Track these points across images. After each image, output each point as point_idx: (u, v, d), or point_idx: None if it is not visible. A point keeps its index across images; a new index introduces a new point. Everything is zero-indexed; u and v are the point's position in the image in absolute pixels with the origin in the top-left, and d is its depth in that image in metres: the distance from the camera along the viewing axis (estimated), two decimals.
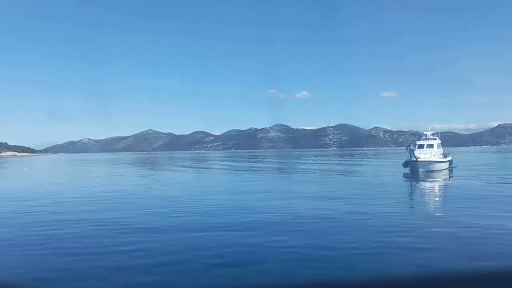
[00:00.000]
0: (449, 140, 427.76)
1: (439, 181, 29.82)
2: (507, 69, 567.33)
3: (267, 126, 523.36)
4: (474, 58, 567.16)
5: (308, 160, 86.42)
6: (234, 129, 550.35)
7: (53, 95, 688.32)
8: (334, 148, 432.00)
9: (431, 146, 41.46)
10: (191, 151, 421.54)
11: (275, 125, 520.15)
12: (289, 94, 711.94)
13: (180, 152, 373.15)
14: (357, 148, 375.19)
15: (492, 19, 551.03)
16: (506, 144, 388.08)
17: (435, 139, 43.42)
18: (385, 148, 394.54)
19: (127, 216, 15.30)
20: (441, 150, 43.59)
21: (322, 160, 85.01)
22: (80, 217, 15.26)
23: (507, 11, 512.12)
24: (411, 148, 38.37)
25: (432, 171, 36.82)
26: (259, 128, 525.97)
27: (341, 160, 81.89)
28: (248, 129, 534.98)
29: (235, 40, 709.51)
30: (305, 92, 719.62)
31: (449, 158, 43.32)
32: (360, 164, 62.36)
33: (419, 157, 36.61)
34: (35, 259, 9.57)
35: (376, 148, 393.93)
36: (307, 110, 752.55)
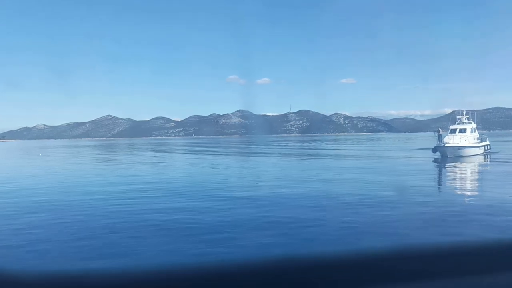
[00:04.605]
0: (407, 125, 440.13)
1: (461, 166, 30.14)
2: (464, 56, 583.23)
3: (229, 112, 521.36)
4: (434, 42, 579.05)
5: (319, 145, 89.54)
6: (195, 115, 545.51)
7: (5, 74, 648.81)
8: (296, 134, 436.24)
9: (463, 130, 41.05)
10: (151, 137, 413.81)
11: (237, 111, 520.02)
12: (250, 79, 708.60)
13: (140, 138, 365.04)
14: (318, 134, 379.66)
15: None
16: None
17: (470, 123, 42.87)
18: (345, 133, 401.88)
19: None
20: (476, 134, 43.12)
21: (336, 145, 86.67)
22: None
23: None
24: (439, 133, 38.81)
25: (462, 156, 36.75)
26: (221, 114, 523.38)
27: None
28: (210, 115, 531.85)
29: (196, 25, 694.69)
30: (266, 78, 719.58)
31: (485, 143, 43.04)
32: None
33: (448, 142, 37.08)
34: None
35: (337, 134, 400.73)
36: (269, 96, 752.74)
